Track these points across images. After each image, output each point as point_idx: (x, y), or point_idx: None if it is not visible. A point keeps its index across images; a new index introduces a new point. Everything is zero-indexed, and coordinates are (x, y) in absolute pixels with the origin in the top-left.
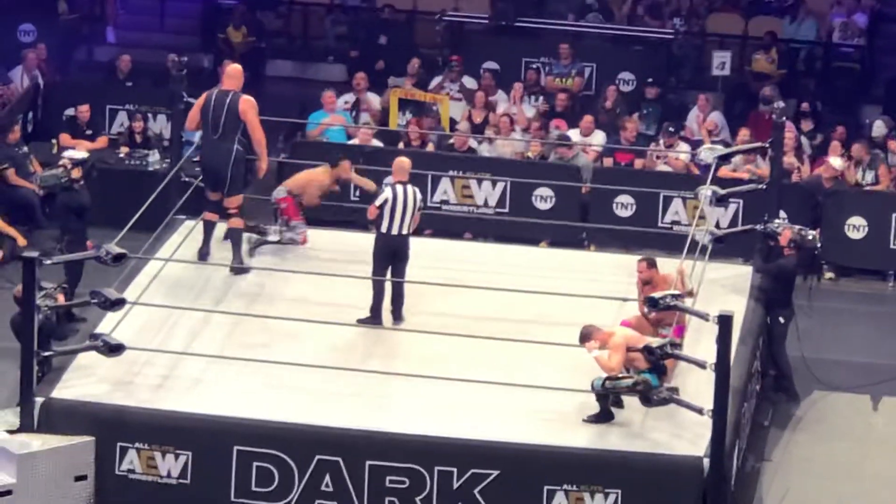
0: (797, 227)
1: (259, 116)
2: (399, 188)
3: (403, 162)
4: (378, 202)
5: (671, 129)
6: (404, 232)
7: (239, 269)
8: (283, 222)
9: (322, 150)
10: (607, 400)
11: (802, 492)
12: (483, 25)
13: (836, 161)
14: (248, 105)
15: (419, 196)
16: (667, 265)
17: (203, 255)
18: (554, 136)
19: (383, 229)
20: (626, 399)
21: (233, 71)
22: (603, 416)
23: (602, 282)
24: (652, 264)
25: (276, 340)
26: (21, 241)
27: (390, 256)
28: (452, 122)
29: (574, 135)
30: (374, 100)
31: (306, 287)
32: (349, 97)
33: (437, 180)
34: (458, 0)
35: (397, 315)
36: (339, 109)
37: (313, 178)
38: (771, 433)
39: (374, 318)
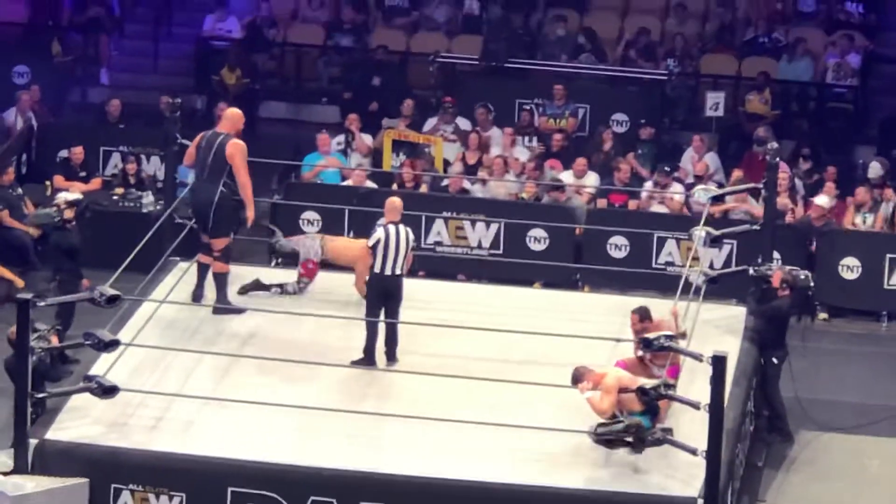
0: (788, 267)
1: (248, 161)
2: (391, 228)
3: (395, 202)
4: (371, 242)
5: (666, 168)
6: (397, 272)
7: (223, 309)
8: (298, 280)
9: (316, 191)
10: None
11: None
12: (476, 66)
13: (821, 199)
14: (235, 149)
15: (411, 236)
16: (661, 306)
17: (197, 297)
18: (549, 177)
19: (376, 269)
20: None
21: (229, 113)
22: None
23: (596, 323)
24: (644, 316)
25: (271, 382)
26: (19, 283)
27: (383, 297)
28: (446, 163)
29: (567, 176)
30: (365, 137)
31: (301, 328)
32: (341, 138)
33: (431, 221)
34: (451, 41)
35: (391, 356)
36: (334, 151)
37: (352, 251)
38: (765, 474)
39: (367, 360)
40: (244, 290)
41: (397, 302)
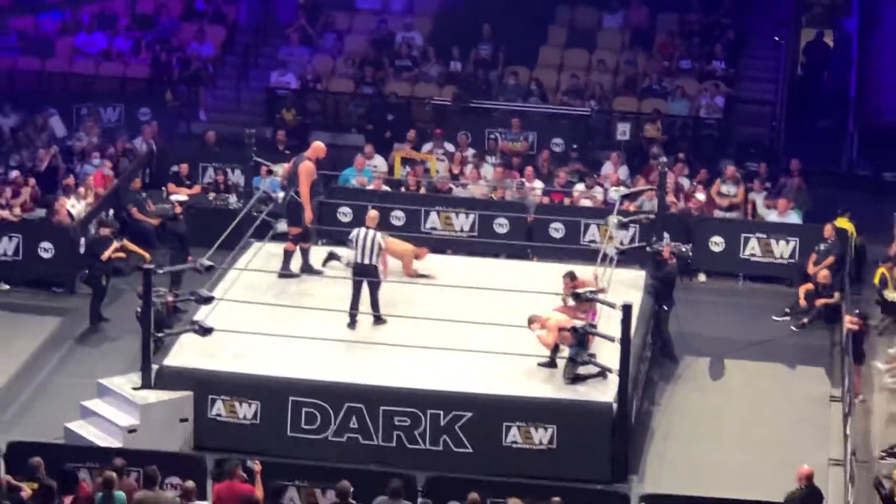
0: (674, 243)
1: (311, 179)
2: (361, 230)
3: (371, 214)
4: (349, 237)
5: (592, 175)
6: (365, 262)
7: (284, 275)
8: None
9: (348, 193)
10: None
11: (680, 426)
12: (458, 106)
13: (700, 196)
14: (302, 168)
15: (378, 238)
16: (586, 271)
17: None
18: (511, 185)
19: (357, 259)
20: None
21: (313, 144)
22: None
23: (543, 282)
24: (573, 278)
25: (317, 325)
26: (147, 257)
27: (361, 277)
28: (437, 173)
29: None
30: (381, 163)
31: (337, 290)
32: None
33: (428, 214)
34: (441, 89)
35: (377, 318)
36: (365, 169)
37: (399, 247)
38: (659, 386)
39: (351, 312)
40: (326, 261)
41: (372, 280)
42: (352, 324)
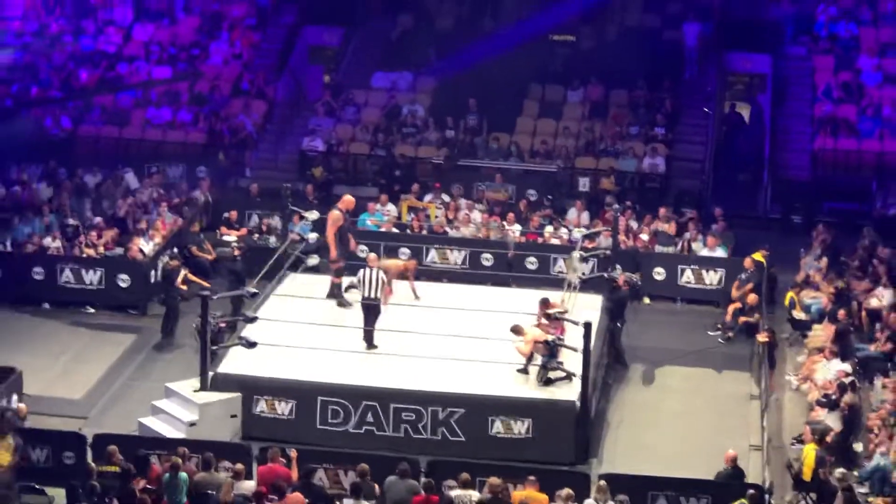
0: (627, 273)
1: (336, 225)
2: (367, 271)
3: (371, 257)
4: (357, 277)
5: (558, 220)
6: (371, 296)
7: (333, 297)
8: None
9: (365, 234)
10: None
11: (630, 418)
12: (452, 164)
13: (644, 236)
14: (330, 216)
15: (382, 276)
16: (556, 296)
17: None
18: (495, 227)
19: (364, 294)
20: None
21: (343, 196)
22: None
23: (521, 305)
24: (545, 303)
25: (341, 340)
26: (206, 285)
27: (366, 308)
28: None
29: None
30: (392, 209)
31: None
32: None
33: (428, 250)
34: (439, 150)
35: (370, 340)
36: (377, 213)
37: (396, 266)
38: (613, 387)
39: (367, 339)
40: (346, 289)
41: (375, 312)
42: (371, 347)
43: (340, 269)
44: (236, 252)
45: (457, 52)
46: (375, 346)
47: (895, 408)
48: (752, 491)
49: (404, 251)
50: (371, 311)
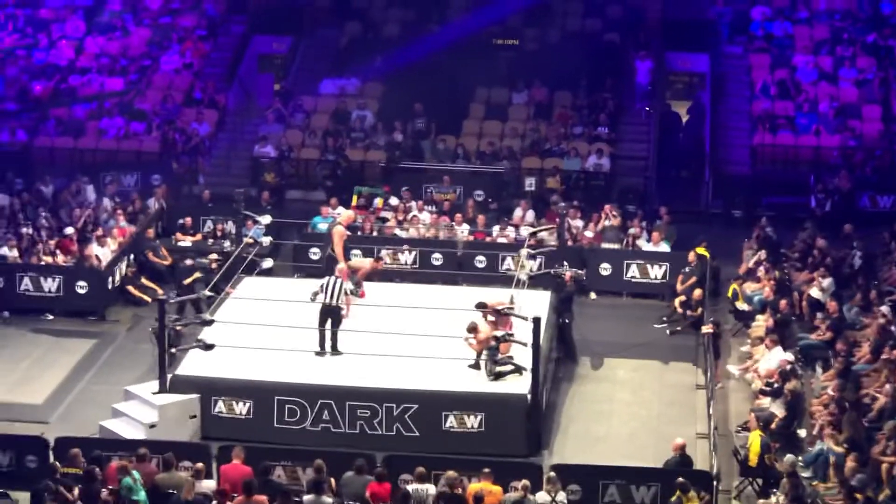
0: (573, 269)
1: (343, 240)
2: (330, 279)
3: (340, 267)
4: (319, 284)
5: (505, 219)
6: (330, 302)
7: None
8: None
9: (317, 237)
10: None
11: (579, 410)
12: (401, 167)
13: (589, 233)
14: (335, 232)
15: (346, 285)
16: (504, 293)
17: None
18: (443, 226)
19: (325, 300)
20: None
21: (344, 212)
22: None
23: (470, 303)
24: (483, 305)
25: (296, 339)
26: (160, 291)
27: (325, 315)
28: (386, 220)
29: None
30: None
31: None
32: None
33: (379, 251)
34: (387, 154)
35: (335, 347)
36: (328, 217)
37: (361, 264)
38: (563, 379)
39: (320, 344)
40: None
41: (336, 319)
42: (321, 353)
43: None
44: (213, 265)
45: (402, 56)
46: (340, 353)
47: (837, 394)
48: (680, 479)
49: (356, 252)
50: (329, 316)
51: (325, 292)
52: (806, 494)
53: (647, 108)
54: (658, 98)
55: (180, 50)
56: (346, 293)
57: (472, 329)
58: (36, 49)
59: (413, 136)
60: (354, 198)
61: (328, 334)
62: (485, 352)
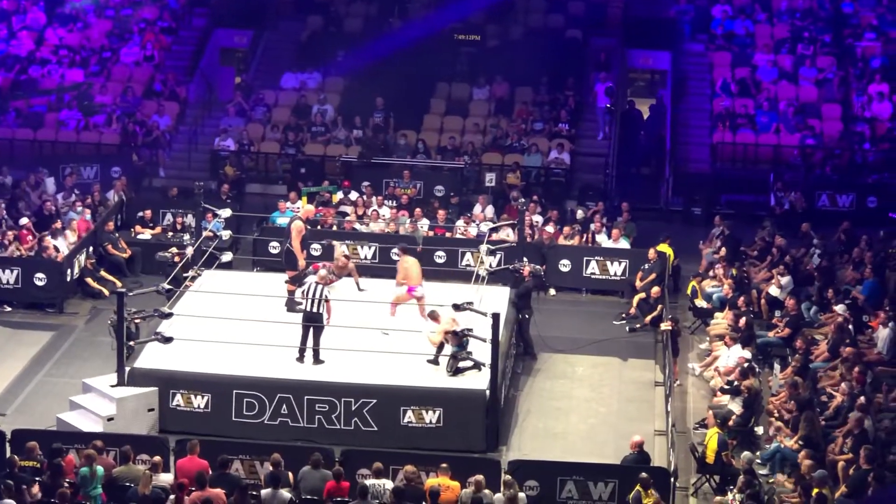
0: (532, 265)
1: (301, 235)
2: (312, 285)
3: (322, 273)
4: (303, 288)
5: (468, 214)
6: (313, 310)
7: (291, 305)
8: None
9: (276, 231)
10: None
11: (538, 406)
12: (361, 162)
13: (549, 229)
14: (293, 227)
15: (327, 292)
16: (463, 290)
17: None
18: (403, 222)
19: (307, 308)
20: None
21: (304, 206)
22: (459, 370)
23: (429, 298)
24: (433, 316)
25: (255, 332)
26: (118, 284)
27: (307, 321)
28: (346, 214)
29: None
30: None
31: (269, 306)
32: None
33: (340, 245)
34: (347, 149)
35: (316, 356)
36: (287, 211)
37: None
38: (522, 376)
39: (301, 348)
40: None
41: (318, 327)
42: (300, 359)
43: (298, 277)
44: (176, 259)
45: (364, 51)
46: (322, 362)
47: (792, 392)
48: (643, 475)
49: (315, 248)
50: (312, 322)
51: (308, 299)
52: (762, 492)
53: (609, 105)
54: (620, 96)
55: (141, 42)
56: (326, 300)
57: (433, 317)
58: None
59: (374, 131)
60: (304, 199)
61: (310, 342)
62: (449, 347)
